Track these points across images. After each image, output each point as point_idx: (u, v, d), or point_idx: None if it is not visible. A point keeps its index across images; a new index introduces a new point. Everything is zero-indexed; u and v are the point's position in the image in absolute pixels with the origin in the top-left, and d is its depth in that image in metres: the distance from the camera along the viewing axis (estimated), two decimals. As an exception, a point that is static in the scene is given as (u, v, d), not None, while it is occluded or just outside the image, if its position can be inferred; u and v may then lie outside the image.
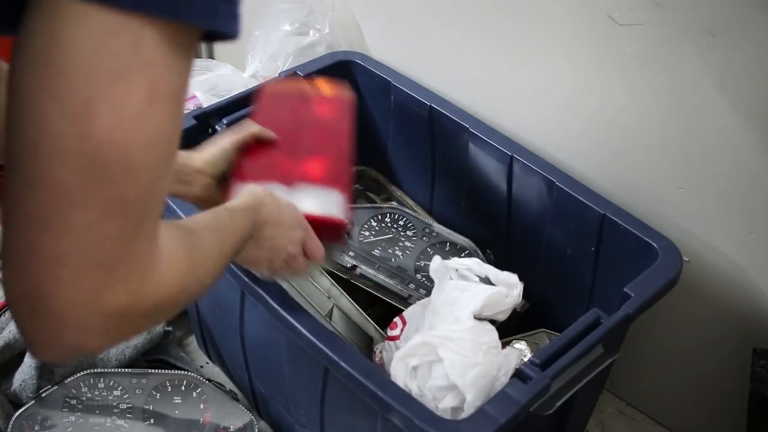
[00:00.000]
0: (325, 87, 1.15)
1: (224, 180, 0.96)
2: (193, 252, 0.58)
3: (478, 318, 1.03)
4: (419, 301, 1.12)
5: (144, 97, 0.43)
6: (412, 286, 1.25)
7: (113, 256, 0.46)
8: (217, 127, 1.24)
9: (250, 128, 1.01)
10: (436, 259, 1.11)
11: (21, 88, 0.43)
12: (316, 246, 0.91)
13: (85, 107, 0.42)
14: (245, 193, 0.84)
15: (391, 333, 1.10)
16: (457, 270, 1.10)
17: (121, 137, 0.43)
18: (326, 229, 0.92)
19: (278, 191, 0.90)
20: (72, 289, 0.45)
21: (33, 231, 0.44)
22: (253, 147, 1.00)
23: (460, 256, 1.27)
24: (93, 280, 0.45)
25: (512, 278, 1.08)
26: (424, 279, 1.27)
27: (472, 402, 0.91)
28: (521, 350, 1.15)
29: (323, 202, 0.94)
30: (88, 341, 0.48)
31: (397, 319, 1.10)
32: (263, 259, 0.86)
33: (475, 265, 1.10)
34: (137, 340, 1.28)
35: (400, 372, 0.96)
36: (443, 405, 0.94)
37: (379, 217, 1.37)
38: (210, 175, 0.96)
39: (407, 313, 1.10)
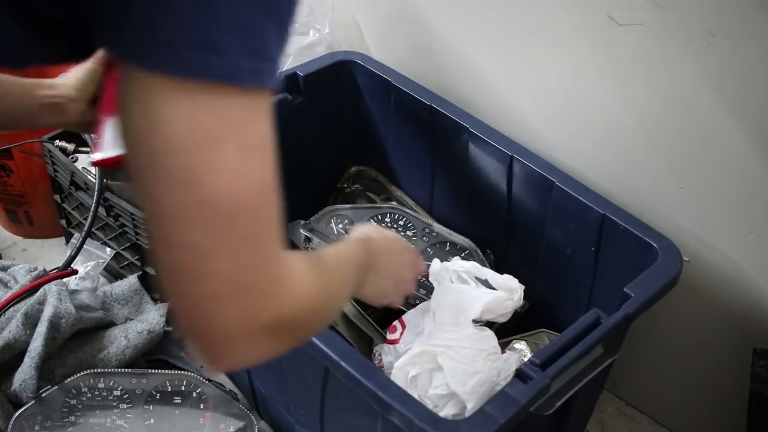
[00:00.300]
0: None
1: (96, 101, 0.94)
2: (322, 271, 0.66)
3: (479, 322, 1.03)
4: (419, 305, 1.12)
5: (237, 154, 0.49)
6: None
7: (249, 283, 0.53)
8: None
9: None
10: (436, 263, 1.11)
11: (135, 168, 0.50)
12: (423, 265, 1.02)
13: (192, 176, 0.48)
14: (353, 232, 0.93)
15: (390, 336, 1.09)
16: (456, 273, 1.10)
17: (228, 192, 0.50)
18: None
19: None
20: (224, 318, 0.53)
21: (182, 282, 0.52)
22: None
23: (460, 256, 1.27)
24: (238, 306, 0.53)
25: (512, 282, 1.08)
26: (423, 279, 1.26)
27: (473, 410, 0.91)
28: (521, 350, 1.15)
29: None
30: (249, 354, 0.56)
31: (396, 323, 1.10)
32: (389, 287, 0.92)
33: (475, 268, 1.10)
34: (137, 341, 1.28)
35: (400, 381, 0.96)
36: (444, 413, 0.94)
37: (379, 217, 1.37)
38: (83, 101, 0.94)
39: (407, 316, 1.10)
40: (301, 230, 1.34)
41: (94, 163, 0.82)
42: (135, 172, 0.50)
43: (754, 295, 1.12)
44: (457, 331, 0.98)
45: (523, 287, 1.07)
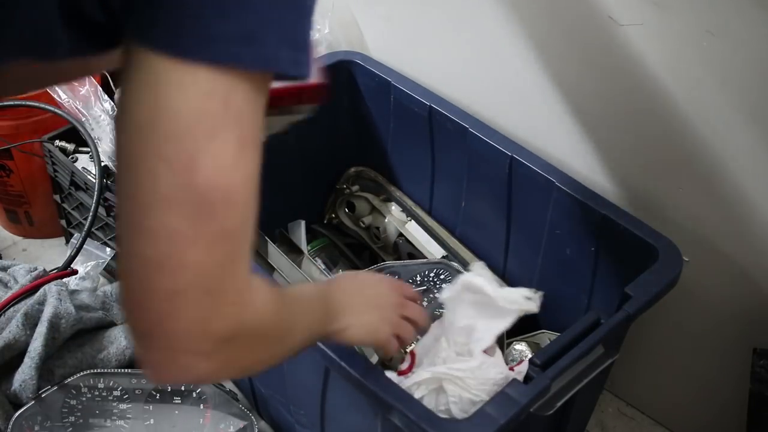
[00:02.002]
0: None
1: None
2: (283, 297, 0.66)
3: None
4: (430, 331, 1.08)
5: (237, 145, 0.50)
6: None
7: (219, 283, 0.52)
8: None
9: None
10: (448, 288, 1.08)
11: (130, 151, 0.49)
12: (407, 287, 0.96)
13: (191, 162, 0.48)
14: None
15: (401, 367, 1.08)
16: (470, 293, 1.08)
17: (222, 182, 0.50)
18: (307, 95, 0.83)
19: None
20: (186, 319, 0.52)
21: (150, 273, 0.50)
22: None
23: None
24: (203, 307, 0.52)
25: (526, 300, 1.05)
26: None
27: None
28: (522, 351, 1.15)
29: None
30: (200, 365, 0.54)
31: (407, 355, 1.08)
32: (376, 320, 0.87)
33: (489, 288, 1.08)
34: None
35: None
36: None
37: (425, 272, 1.31)
38: None
39: (418, 347, 1.07)
40: None
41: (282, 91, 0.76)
42: (126, 156, 0.50)
43: (754, 295, 1.12)
44: (467, 361, 0.96)
45: (540, 294, 1.03)
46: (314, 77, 0.78)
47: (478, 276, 1.08)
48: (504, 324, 1.00)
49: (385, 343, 0.89)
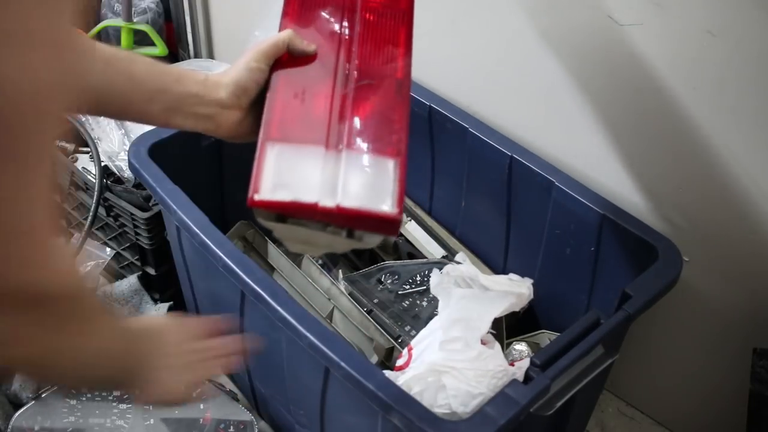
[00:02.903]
0: None
1: (256, 107, 0.77)
2: (84, 292, 0.55)
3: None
4: (427, 326, 1.09)
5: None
6: (413, 332, 1.18)
7: (8, 219, 0.42)
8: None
9: (281, 37, 0.78)
10: (435, 274, 1.09)
11: None
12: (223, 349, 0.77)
13: None
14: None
15: (398, 363, 1.08)
16: (461, 278, 1.09)
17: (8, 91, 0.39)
18: (375, 224, 0.70)
19: (316, 158, 0.71)
20: None
21: None
22: (286, 66, 0.78)
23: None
24: None
25: (517, 284, 1.06)
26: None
27: None
28: (522, 351, 1.15)
29: (372, 183, 0.70)
30: None
31: (404, 350, 1.09)
32: (174, 378, 0.72)
33: (476, 275, 1.09)
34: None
35: None
36: None
37: (425, 272, 1.29)
38: (239, 107, 0.76)
39: (415, 341, 1.08)
40: (342, 281, 1.29)
41: (253, 204, 0.67)
42: None
43: (754, 295, 1.12)
44: (464, 352, 0.96)
45: (531, 280, 1.05)
46: (395, 210, 0.70)
47: (464, 264, 1.08)
48: (498, 309, 1.00)
49: (184, 399, 0.75)
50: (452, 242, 1.38)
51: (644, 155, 1.14)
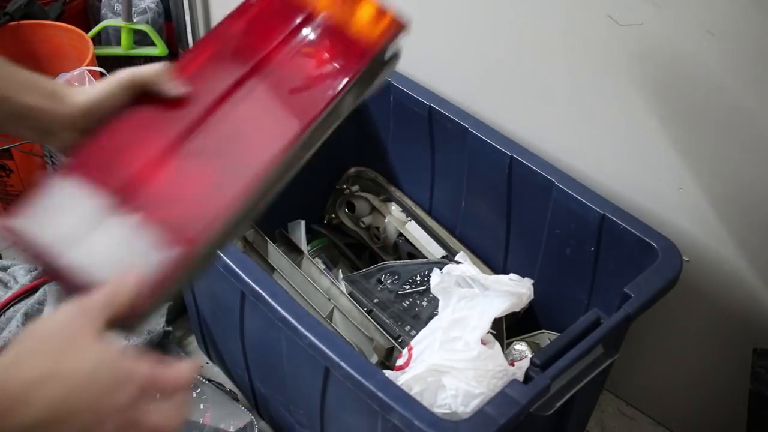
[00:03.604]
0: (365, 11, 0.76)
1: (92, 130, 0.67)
2: None
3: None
4: (427, 326, 1.10)
5: None
6: (413, 332, 1.18)
7: None
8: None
9: (153, 69, 0.68)
10: (435, 273, 1.09)
11: None
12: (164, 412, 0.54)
13: None
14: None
15: (398, 363, 1.08)
16: (462, 278, 1.09)
17: None
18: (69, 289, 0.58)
19: (92, 212, 0.60)
20: None
21: None
22: (149, 102, 0.67)
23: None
24: None
25: (516, 284, 1.06)
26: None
27: None
28: (521, 351, 1.15)
29: (124, 258, 0.58)
30: None
31: (404, 350, 1.09)
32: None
33: (477, 274, 1.09)
34: (137, 340, 1.28)
35: None
36: None
37: (425, 272, 1.28)
38: (87, 130, 0.67)
39: (415, 341, 1.08)
40: (342, 281, 1.29)
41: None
42: None
43: (754, 295, 1.12)
44: (464, 352, 0.96)
45: (531, 280, 1.05)
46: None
47: (464, 264, 1.09)
48: (498, 309, 1.00)
49: None
50: (452, 242, 1.38)
51: (644, 155, 1.14)
